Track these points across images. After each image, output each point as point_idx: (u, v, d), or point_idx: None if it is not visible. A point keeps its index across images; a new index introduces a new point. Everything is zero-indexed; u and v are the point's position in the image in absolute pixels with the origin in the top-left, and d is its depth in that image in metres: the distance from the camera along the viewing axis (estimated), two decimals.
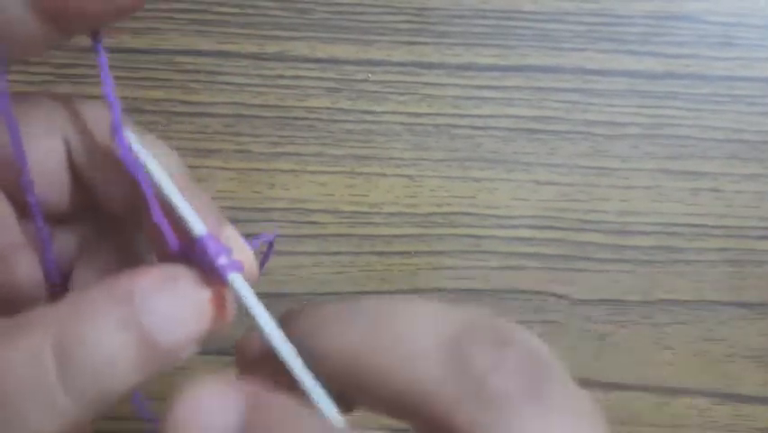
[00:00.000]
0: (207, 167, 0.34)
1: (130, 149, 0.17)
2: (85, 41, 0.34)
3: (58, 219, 0.20)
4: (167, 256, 0.17)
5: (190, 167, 0.34)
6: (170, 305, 0.16)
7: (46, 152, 0.18)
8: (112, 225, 0.20)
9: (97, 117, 0.19)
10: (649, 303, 0.35)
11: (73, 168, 0.19)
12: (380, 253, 0.34)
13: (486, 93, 0.35)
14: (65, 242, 0.20)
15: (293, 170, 0.34)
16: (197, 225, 0.17)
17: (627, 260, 0.35)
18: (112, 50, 0.34)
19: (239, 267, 0.17)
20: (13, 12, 0.15)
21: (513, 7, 0.35)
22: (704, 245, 0.35)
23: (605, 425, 0.15)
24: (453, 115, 0.35)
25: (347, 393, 0.17)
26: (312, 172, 0.34)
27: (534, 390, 0.15)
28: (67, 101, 0.19)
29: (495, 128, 0.35)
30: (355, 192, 0.34)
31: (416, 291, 0.35)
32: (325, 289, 0.34)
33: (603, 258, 0.35)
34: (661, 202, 0.35)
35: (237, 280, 0.17)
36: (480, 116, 0.35)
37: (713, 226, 0.35)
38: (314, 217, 0.34)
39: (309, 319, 0.17)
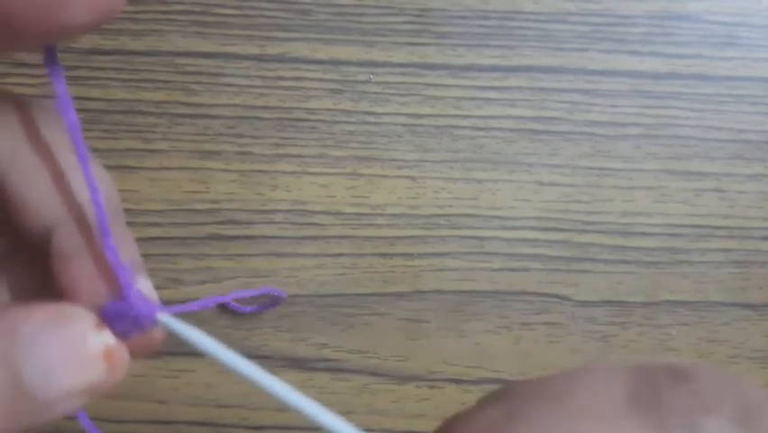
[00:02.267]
0: (209, 169, 0.34)
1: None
2: (88, 43, 0.34)
3: None
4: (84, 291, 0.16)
5: (192, 169, 0.34)
6: (55, 349, 0.14)
7: None
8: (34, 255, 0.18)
9: (15, 122, 0.16)
10: (652, 304, 0.35)
11: None
12: (383, 255, 0.34)
13: (488, 94, 0.35)
14: None
15: (295, 172, 0.34)
16: (125, 274, 0.15)
17: (630, 261, 0.35)
18: (113, 53, 0.34)
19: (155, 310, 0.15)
20: None
21: (515, 8, 0.35)
22: (707, 246, 0.35)
23: None
24: (455, 116, 0.35)
25: None
26: (314, 174, 0.34)
27: (746, 422, 0.13)
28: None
29: (497, 129, 0.35)
30: (357, 194, 0.34)
31: (418, 293, 0.34)
32: (327, 291, 0.34)
33: (606, 259, 0.35)
34: (664, 203, 0.35)
35: (168, 320, 0.15)
36: (482, 117, 0.35)
37: (716, 227, 0.35)
38: (315, 219, 0.34)
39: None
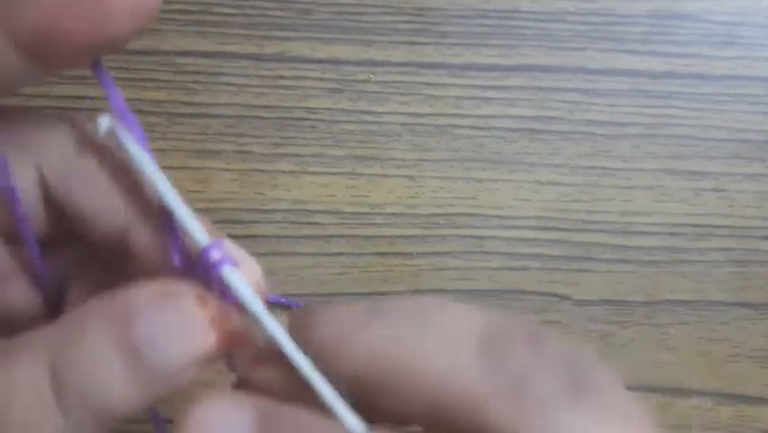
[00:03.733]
0: (209, 168, 0.34)
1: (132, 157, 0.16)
2: None
3: (45, 242, 0.18)
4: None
5: (191, 168, 0.34)
6: (166, 324, 0.15)
7: (18, 180, 0.17)
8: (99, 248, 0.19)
9: (68, 140, 0.17)
10: (652, 304, 0.35)
11: (48, 197, 0.17)
12: (382, 254, 0.34)
13: (487, 93, 0.35)
14: (57, 263, 0.19)
15: (294, 171, 0.34)
16: (202, 236, 0.16)
17: (630, 260, 0.35)
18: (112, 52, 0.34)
19: (233, 263, 0.16)
20: None
21: (513, 7, 0.35)
22: (707, 245, 0.35)
23: (655, 427, 0.15)
24: (455, 116, 0.35)
25: (368, 401, 0.16)
26: (313, 173, 0.34)
27: (579, 389, 0.14)
28: (44, 124, 0.17)
29: (497, 128, 0.35)
30: (356, 193, 0.34)
31: (417, 292, 0.34)
32: (326, 290, 0.34)
33: (606, 258, 0.35)
34: (663, 202, 0.35)
35: (233, 277, 0.16)
36: (481, 117, 0.35)
37: (716, 226, 0.35)
38: (315, 218, 0.34)
39: (325, 321, 0.16)
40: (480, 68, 0.35)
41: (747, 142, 0.35)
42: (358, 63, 0.34)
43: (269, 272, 0.34)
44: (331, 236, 0.34)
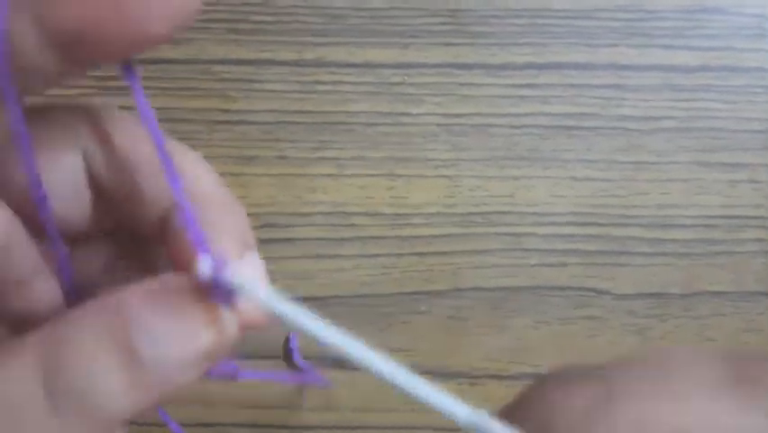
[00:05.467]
0: (248, 174, 0.34)
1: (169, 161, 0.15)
2: None
3: (79, 237, 0.18)
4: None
5: (231, 174, 0.34)
6: (164, 323, 0.14)
7: (63, 168, 0.17)
8: (136, 243, 0.19)
9: (122, 129, 0.17)
10: (689, 296, 0.35)
11: (94, 184, 0.17)
12: (421, 254, 0.35)
13: (521, 92, 0.35)
14: (87, 260, 0.19)
15: (332, 175, 0.35)
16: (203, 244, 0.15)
17: (667, 253, 0.35)
18: (150, 62, 0.34)
19: (207, 251, 0.15)
20: (23, 40, 0.13)
21: (545, 6, 0.35)
22: (743, 236, 0.35)
23: None
24: (490, 115, 0.35)
25: None
26: (351, 176, 0.35)
27: None
28: (87, 113, 0.17)
29: (531, 126, 0.35)
30: (395, 194, 0.35)
31: (457, 291, 0.35)
32: (367, 291, 0.35)
33: (643, 252, 0.35)
34: (699, 195, 0.35)
35: (204, 263, 0.14)
36: (516, 115, 0.35)
37: (751, 217, 0.36)
38: (354, 220, 0.35)
39: (557, 412, 0.15)
40: (514, 67, 0.35)
41: None
42: (394, 66, 0.35)
43: (309, 275, 0.34)
44: (370, 238, 0.35)
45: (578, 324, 0.35)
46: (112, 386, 0.14)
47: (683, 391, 0.14)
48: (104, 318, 0.14)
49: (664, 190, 0.35)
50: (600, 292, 0.35)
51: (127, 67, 0.15)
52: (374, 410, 0.34)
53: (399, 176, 0.35)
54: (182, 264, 0.16)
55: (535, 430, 0.14)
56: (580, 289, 0.35)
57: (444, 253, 0.35)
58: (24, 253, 0.17)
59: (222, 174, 0.34)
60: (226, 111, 0.34)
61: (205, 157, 0.34)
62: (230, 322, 0.15)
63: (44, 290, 0.17)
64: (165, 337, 0.14)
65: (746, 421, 0.14)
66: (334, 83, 0.35)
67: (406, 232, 0.35)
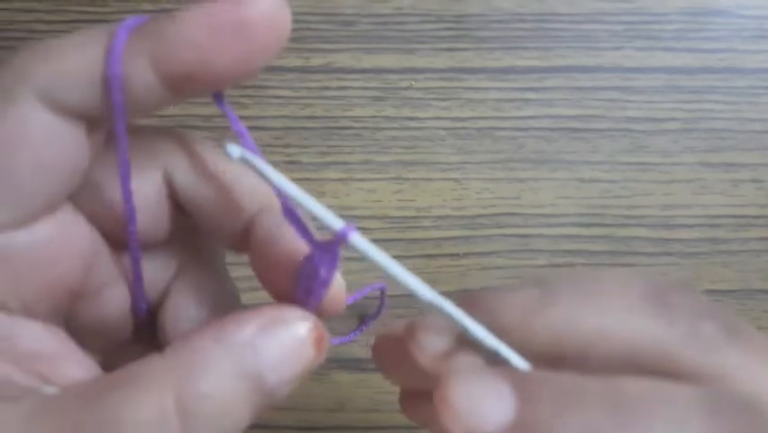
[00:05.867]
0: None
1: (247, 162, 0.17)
2: None
3: (152, 247, 0.20)
4: (278, 280, 0.18)
5: None
6: (281, 348, 0.16)
7: (145, 184, 0.18)
8: (202, 251, 0.20)
9: (203, 149, 0.19)
10: None
11: (174, 199, 0.19)
12: (430, 256, 0.35)
13: (527, 95, 0.36)
14: (155, 269, 0.20)
15: (341, 179, 0.35)
16: (335, 221, 0.17)
17: (672, 253, 0.36)
18: None
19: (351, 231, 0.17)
20: (137, 81, 0.15)
21: (550, 10, 0.36)
22: (747, 235, 0.36)
23: None
24: (496, 118, 0.36)
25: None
26: (360, 180, 0.35)
27: (734, 333, 0.17)
28: (169, 135, 0.19)
29: (537, 129, 0.36)
30: (403, 197, 0.35)
31: (465, 292, 0.35)
32: (376, 293, 0.35)
33: (648, 252, 0.36)
34: (703, 195, 0.36)
35: (380, 256, 0.17)
36: (521, 118, 0.36)
37: (755, 216, 0.36)
38: (363, 224, 0.35)
39: (503, 307, 0.17)
40: (519, 70, 0.36)
41: None
42: (400, 71, 0.35)
43: None
44: (379, 241, 0.35)
45: None
46: (242, 407, 0.15)
47: (607, 300, 0.17)
48: (230, 349, 0.15)
49: (669, 191, 0.36)
50: None
51: (218, 95, 0.17)
52: (383, 411, 0.34)
53: (407, 179, 0.35)
54: (268, 270, 0.18)
55: (483, 318, 0.17)
56: None
57: (452, 255, 0.35)
58: (104, 265, 0.18)
59: None
60: (238, 118, 0.35)
61: None
62: (327, 340, 0.17)
63: (115, 297, 0.18)
64: (284, 363, 0.16)
65: (656, 331, 0.16)
66: (342, 89, 0.35)
67: (415, 234, 0.35)
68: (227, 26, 0.15)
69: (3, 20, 0.35)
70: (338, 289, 0.18)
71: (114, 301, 0.19)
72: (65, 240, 0.16)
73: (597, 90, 0.36)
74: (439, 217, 0.35)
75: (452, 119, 0.35)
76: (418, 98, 0.35)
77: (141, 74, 0.15)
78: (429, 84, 0.35)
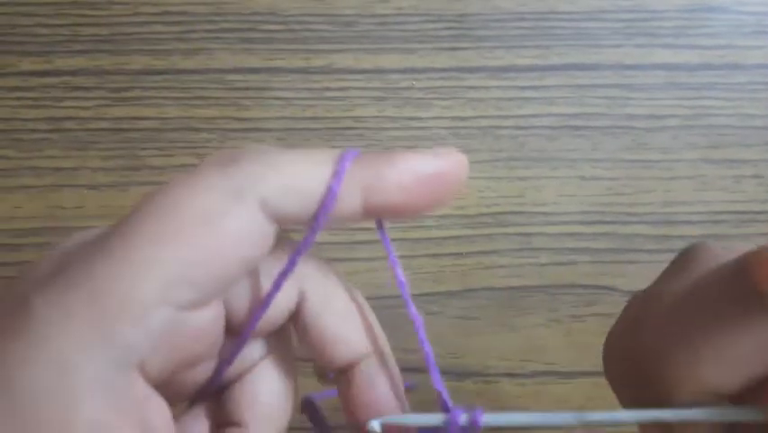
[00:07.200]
0: None
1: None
2: (140, 64, 0.35)
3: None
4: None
5: None
6: None
7: (283, 293, 0.18)
8: (287, 347, 0.21)
9: (339, 279, 0.20)
10: None
11: (299, 316, 0.19)
12: (433, 255, 0.35)
13: (528, 93, 0.36)
14: (248, 351, 0.20)
15: None
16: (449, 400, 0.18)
17: (675, 249, 0.35)
18: (164, 72, 0.35)
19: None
20: (348, 201, 0.17)
21: (550, 8, 0.36)
22: (749, 231, 0.36)
23: None
24: (497, 117, 0.36)
25: None
26: None
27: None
28: (306, 260, 0.20)
29: (538, 127, 0.36)
30: None
31: (468, 290, 0.35)
32: (381, 293, 0.35)
33: (651, 249, 0.36)
34: (704, 191, 0.36)
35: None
36: (522, 116, 0.36)
37: (757, 212, 0.36)
38: (366, 224, 0.35)
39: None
40: (520, 69, 0.36)
41: None
42: (401, 71, 0.35)
43: None
44: (380, 241, 0.35)
45: (588, 321, 0.36)
46: None
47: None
48: None
49: (670, 187, 0.36)
50: (611, 289, 0.36)
51: (380, 222, 0.20)
52: None
53: None
54: (354, 413, 0.20)
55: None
56: (590, 287, 0.36)
57: (455, 254, 0.35)
58: (218, 344, 0.18)
59: None
60: (239, 119, 0.35)
61: None
62: None
63: (205, 369, 0.19)
64: None
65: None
66: (343, 89, 0.35)
67: (418, 234, 0.35)
68: (430, 176, 0.17)
69: (3, 24, 0.35)
70: None
71: (201, 373, 0.19)
72: (217, 322, 0.17)
73: (597, 88, 0.36)
74: (441, 217, 0.35)
75: (454, 118, 0.36)
76: (419, 98, 0.35)
77: (352, 200, 0.17)
78: (430, 83, 0.35)
